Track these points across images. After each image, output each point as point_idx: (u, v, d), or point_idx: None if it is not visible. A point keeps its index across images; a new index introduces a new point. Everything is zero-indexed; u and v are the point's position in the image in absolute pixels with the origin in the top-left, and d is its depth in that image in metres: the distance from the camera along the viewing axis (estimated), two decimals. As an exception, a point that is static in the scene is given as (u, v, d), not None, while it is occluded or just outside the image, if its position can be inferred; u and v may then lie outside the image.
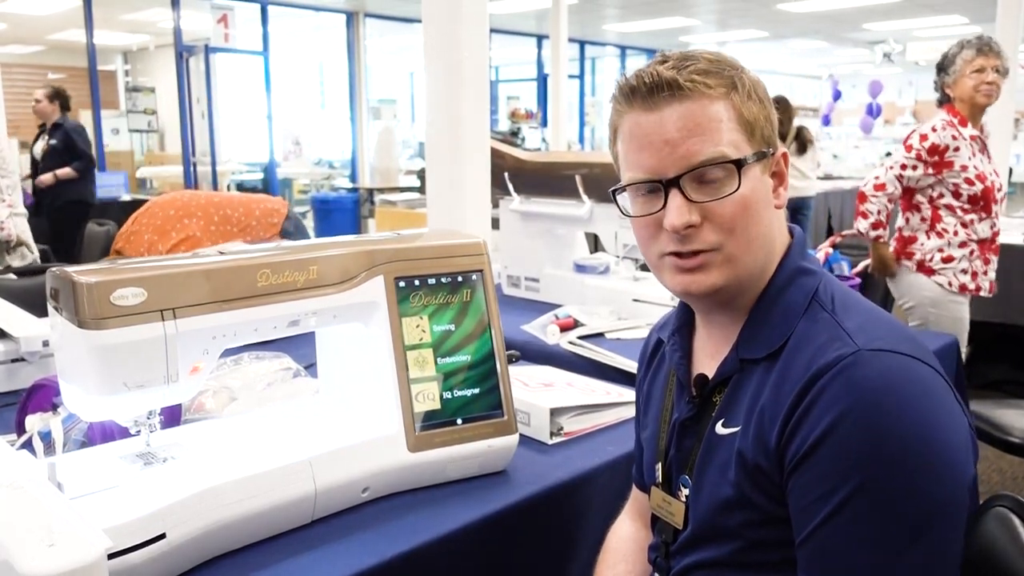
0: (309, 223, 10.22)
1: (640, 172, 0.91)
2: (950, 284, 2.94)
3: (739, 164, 0.88)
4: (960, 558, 0.81)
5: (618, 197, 0.96)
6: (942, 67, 3.00)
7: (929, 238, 2.97)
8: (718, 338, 0.98)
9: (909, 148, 2.94)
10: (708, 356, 0.99)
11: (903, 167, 2.94)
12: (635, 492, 1.18)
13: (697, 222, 0.89)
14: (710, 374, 0.97)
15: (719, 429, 0.93)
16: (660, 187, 0.90)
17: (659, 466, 1.03)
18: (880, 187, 2.99)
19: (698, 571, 0.95)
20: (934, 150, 2.87)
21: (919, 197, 2.99)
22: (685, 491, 0.97)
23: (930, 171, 2.90)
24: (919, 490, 0.77)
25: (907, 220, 3.05)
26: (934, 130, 2.88)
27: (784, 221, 0.98)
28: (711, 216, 0.89)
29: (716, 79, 0.89)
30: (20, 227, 3.54)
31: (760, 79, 0.94)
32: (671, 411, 1.02)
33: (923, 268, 2.99)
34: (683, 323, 1.04)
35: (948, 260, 2.94)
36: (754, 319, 0.93)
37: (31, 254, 3.58)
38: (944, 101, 3.00)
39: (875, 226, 3.03)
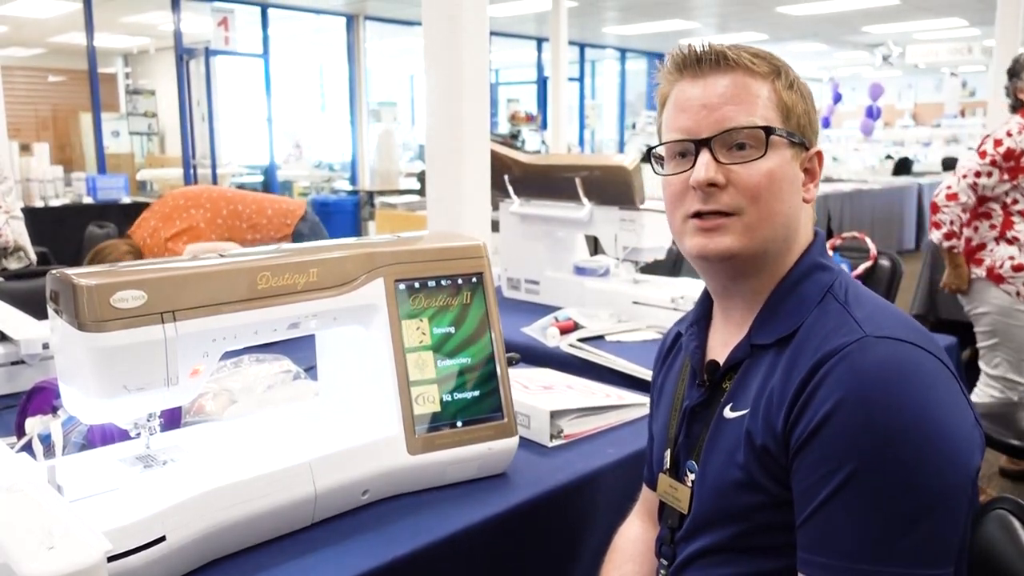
0: (309, 226, 10.17)
1: (677, 133, 0.96)
2: (1019, 294, 2.93)
3: (768, 131, 0.92)
4: (959, 548, 0.81)
5: (653, 160, 1.01)
6: (1014, 72, 3.00)
7: (999, 245, 2.96)
8: (733, 327, 1.00)
9: (983, 155, 2.92)
10: (721, 344, 1.01)
11: (977, 174, 2.92)
12: (645, 492, 1.18)
13: (721, 182, 0.92)
14: (722, 361, 0.99)
15: (727, 413, 0.95)
16: (692, 147, 0.94)
17: (667, 452, 1.04)
18: (952, 197, 2.96)
19: (703, 557, 0.95)
20: (1009, 155, 2.86)
21: (991, 204, 2.97)
22: (691, 476, 0.99)
23: (1005, 177, 2.90)
24: (916, 477, 0.78)
25: (975, 228, 3.04)
26: (1009, 135, 2.86)
27: (810, 219, 1.00)
28: (735, 181, 0.92)
29: (763, 61, 0.95)
30: (17, 231, 3.53)
31: (806, 84, 0.99)
32: (682, 399, 1.04)
33: (992, 275, 2.97)
34: (701, 315, 1.07)
35: (1019, 269, 2.92)
36: (769, 307, 0.96)
37: (28, 258, 3.56)
38: (1018, 106, 2.99)
39: (948, 236, 3.00)
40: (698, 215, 0.94)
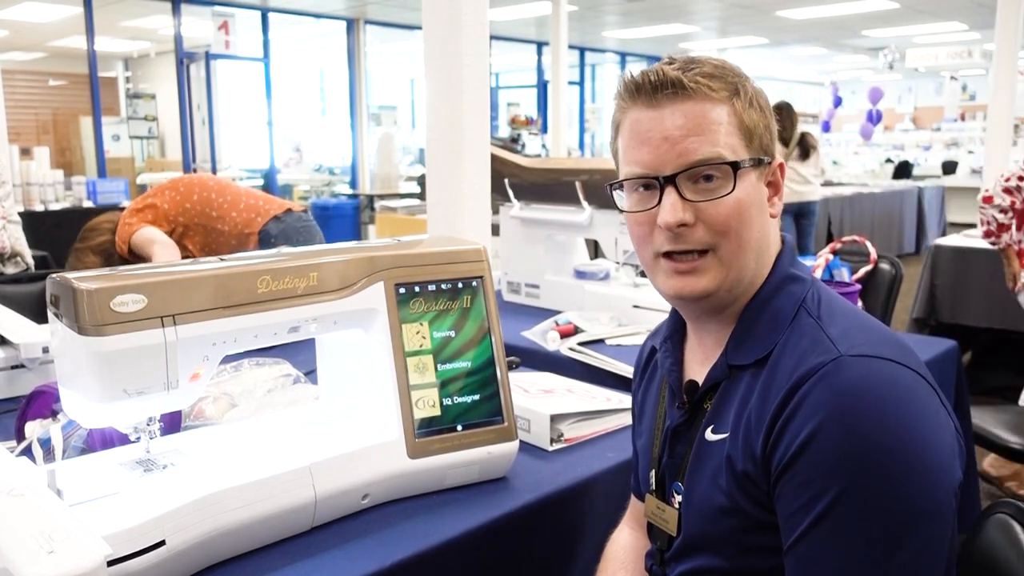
0: (309, 229, 10.15)
1: (638, 167, 0.92)
2: None
3: (735, 167, 0.89)
4: (947, 563, 0.81)
5: (615, 192, 0.97)
6: None
7: None
8: (708, 344, 0.98)
9: None
10: (698, 362, 1.00)
11: (1020, 178, 3.19)
12: (633, 501, 1.18)
13: (690, 221, 0.89)
14: (700, 380, 0.97)
15: (708, 435, 0.93)
16: (656, 184, 0.90)
17: (652, 473, 1.03)
18: (987, 200, 3.26)
19: None
20: None
21: None
22: (678, 498, 0.98)
23: None
24: (900, 497, 0.77)
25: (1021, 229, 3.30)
26: None
27: (777, 230, 0.98)
28: (705, 217, 0.90)
29: (720, 83, 0.90)
30: (15, 236, 3.52)
31: (762, 90, 0.95)
32: (664, 418, 1.02)
33: None
34: (674, 330, 1.05)
35: None
36: (743, 325, 0.94)
37: (25, 263, 3.55)
38: None
39: (987, 235, 3.32)
40: (669, 254, 0.92)
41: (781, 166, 0.96)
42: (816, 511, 0.79)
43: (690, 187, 0.90)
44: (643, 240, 0.94)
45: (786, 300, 0.92)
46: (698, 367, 0.99)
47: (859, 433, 0.78)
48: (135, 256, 2.80)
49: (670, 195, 0.89)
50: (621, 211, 0.97)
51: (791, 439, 0.81)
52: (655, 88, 0.90)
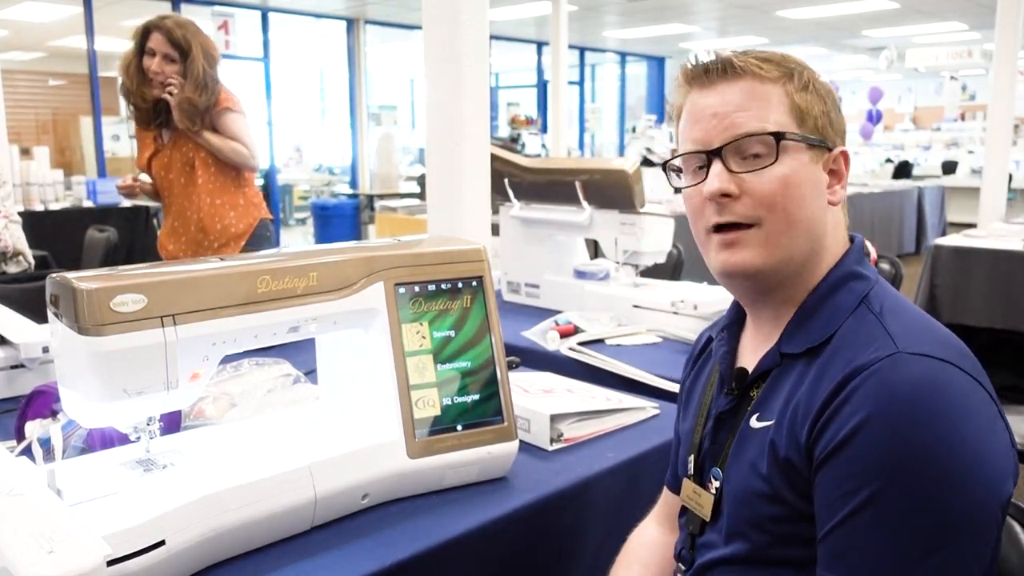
0: (309, 229, 10.21)
1: (690, 144, 0.96)
2: None
3: (778, 137, 0.90)
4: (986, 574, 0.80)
5: (670, 174, 1.00)
6: None
7: None
8: (764, 335, 0.98)
9: None
10: (751, 352, 1.00)
11: None
12: (665, 495, 1.18)
13: (734, 192, 0.91)
14: (751, 369, 0.97)
15: (753, 423, 0.93)
16: (706, 158, 0.93)
17: (692, 458, 1.04)
18: None
19: (722, 566, 0.95)
20: None
21: None
22: (715, 483, 0.98)
23: None
24: (940, 501, 0.76)
25: None
26: None
27: (843, 224, 0.97)
28: (750, 191, 0.91)
29: (772, 65, 0.93)
30: (16, 235, 3.53)
31: (828, 84, 0.96)
32: (710, 405, 1.03)
33: None
34: (733, 321, 1.06)
35: None
36: (800, 316, 0.94)
37: (27, 262, 3.56)
38: None
39: None
40: (719, 228, 0.93)
41: (844, 155, 0.96)
42: (852, 505, 0.79)
43: (737, 161, 0.92)
44: (696, 215, 0.97)
45: (847, 295, 0.92)
46: (750, 356, 0.99)
47: (905, 434, 0.77)
48: (194, 110, 2.85)
49: (716, 166, 0.92)
50: (676, 190, 1.00)
51: (837, 429, 0.81)
52: (707, 70, 0.94)
